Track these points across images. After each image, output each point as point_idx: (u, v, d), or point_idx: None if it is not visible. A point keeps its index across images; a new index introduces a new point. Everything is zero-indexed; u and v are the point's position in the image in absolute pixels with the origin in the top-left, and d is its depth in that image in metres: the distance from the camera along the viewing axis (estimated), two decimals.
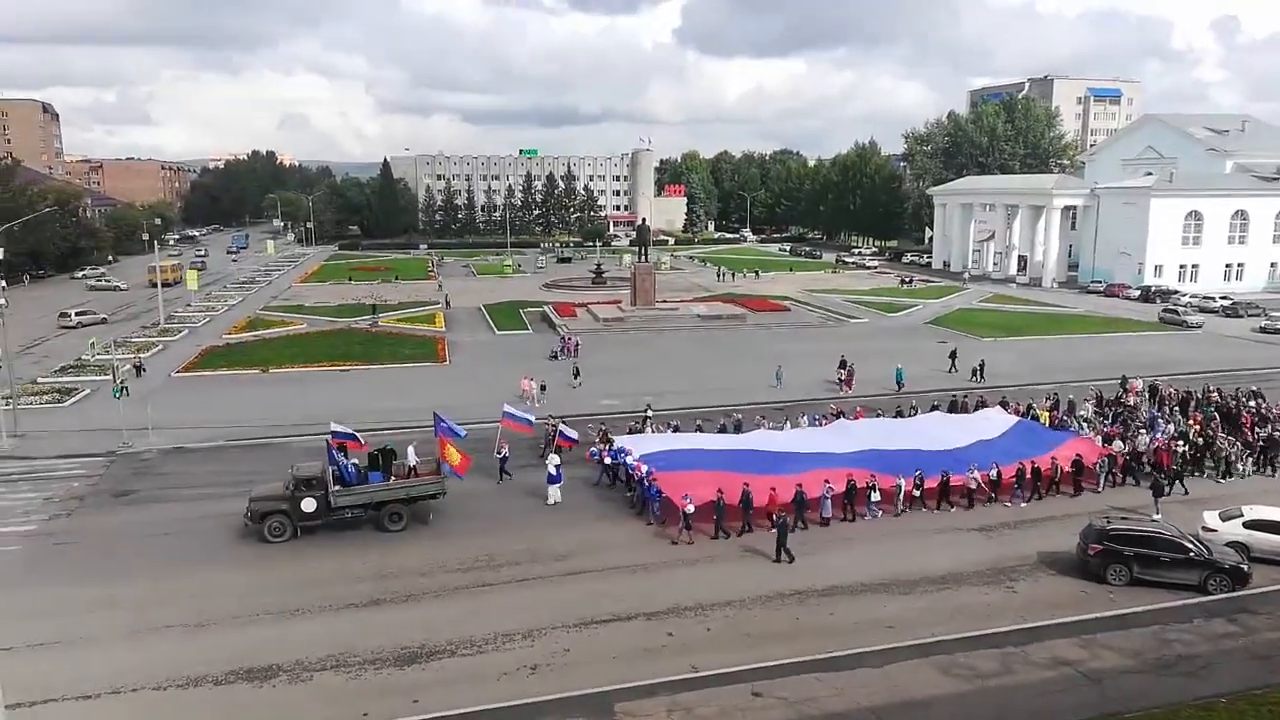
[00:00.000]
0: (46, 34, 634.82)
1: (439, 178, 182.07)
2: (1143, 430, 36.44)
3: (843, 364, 49.25)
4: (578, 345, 58.44)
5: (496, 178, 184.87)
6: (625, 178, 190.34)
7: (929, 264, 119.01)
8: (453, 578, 26.09)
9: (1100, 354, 57.81)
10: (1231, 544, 26.37)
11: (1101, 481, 33.48)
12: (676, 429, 37.20)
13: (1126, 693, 20.17)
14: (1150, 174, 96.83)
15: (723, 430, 37.51)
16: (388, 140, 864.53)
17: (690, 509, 28.30)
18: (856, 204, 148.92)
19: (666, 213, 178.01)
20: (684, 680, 20.64)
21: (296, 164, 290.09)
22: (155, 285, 77.35)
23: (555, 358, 56.83)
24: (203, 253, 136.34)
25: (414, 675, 20.99)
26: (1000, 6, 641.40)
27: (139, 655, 21.66)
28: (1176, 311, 73.01)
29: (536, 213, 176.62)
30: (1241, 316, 73.82)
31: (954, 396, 43.44)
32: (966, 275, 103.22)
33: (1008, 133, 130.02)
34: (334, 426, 31.94)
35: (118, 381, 40.13)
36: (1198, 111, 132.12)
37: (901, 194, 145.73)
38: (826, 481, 30.06)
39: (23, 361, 53.86)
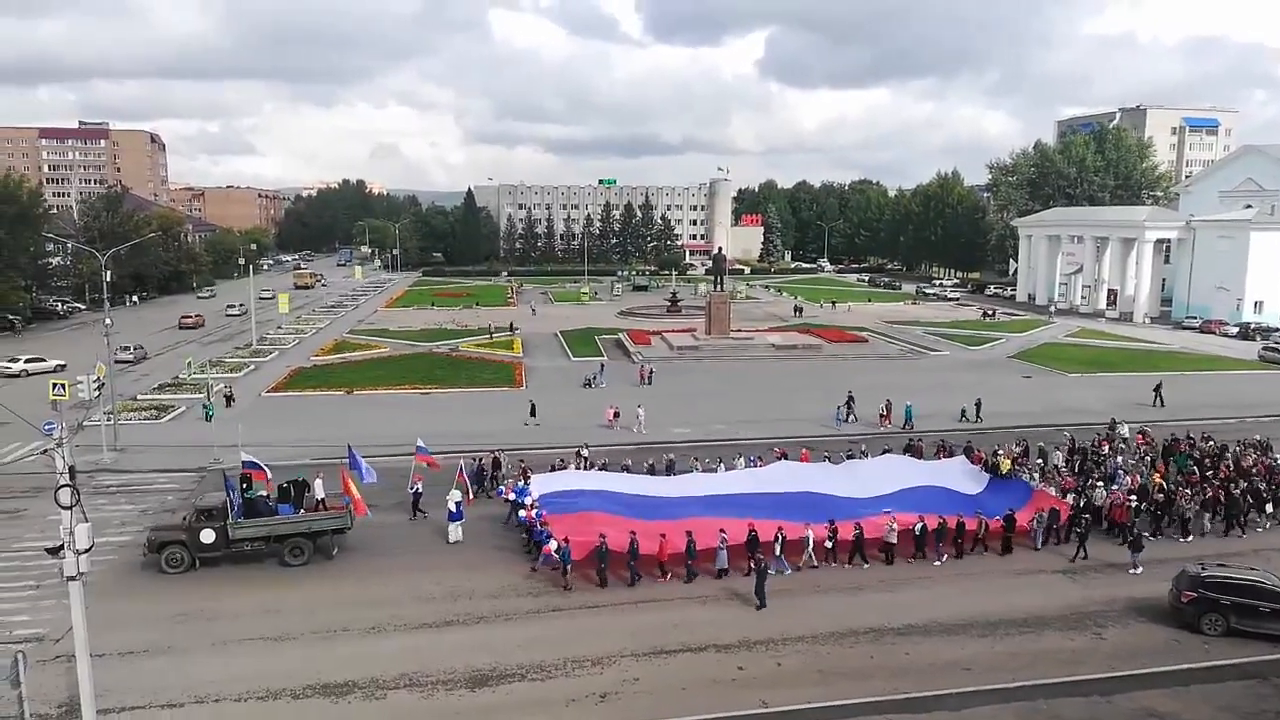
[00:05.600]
0: (158, 69, 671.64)
1: (520, 206, 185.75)
2: (1099, 483, 33.37)
3: (851, 399, 48.00)
4: (651, 372, 58.72)
5: (576, 206, 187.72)
6: (702, 207, 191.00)
7: (1013, 297, 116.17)
8: (523, 602, 26.27)
9: (1194, 393, 55.25)
10: None
11: (1040, 539, 30.48)
12: (604, 468, 36.10)
13: None
14: (1250, 206, 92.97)
15: (651, 471, 35.46)
16: (473, 169, 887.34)
17: (552, 547, 26.88)
18: (938, 234, 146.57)
19: (743, 242, 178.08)
20: (753, 715, 20.34)
21: (385, 192, 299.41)
22: (248, 305, 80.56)
23: (589, 385, 57.23)
24: (321, 277, 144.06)
25: (484, 697, 21.16)
26: (1095, 35, 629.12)
27: (221, 667, 22.34)
28: (1278, 349, 69.61)
29: (614, 241, 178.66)
30: None
31: (911, 440, 41.00)
32: (1052, 309, 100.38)
33: (1098, 163, 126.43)
34: (244, 456, 31.51)
35: (209, 403, 41.81)
36: None
37: (985, 225, 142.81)
38: (722, 530, 27.90)
39: (124, 379, 56.50)
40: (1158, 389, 51.88)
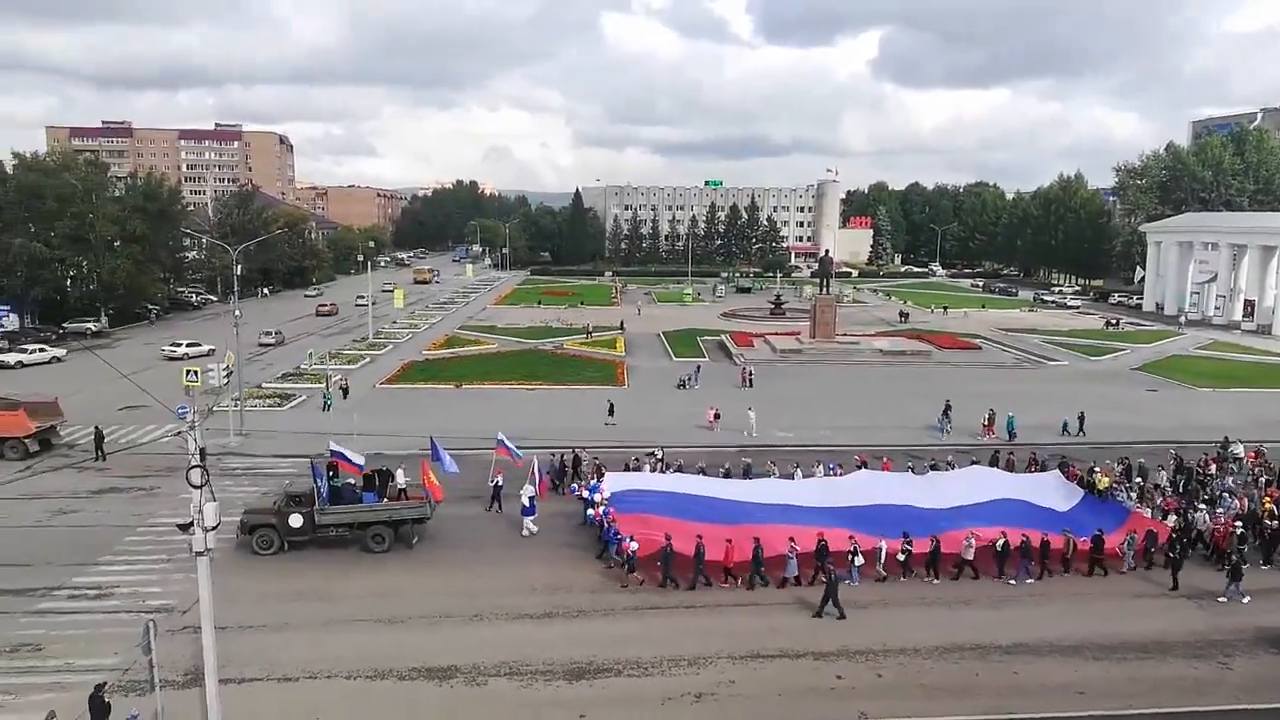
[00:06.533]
0: (288, 75, 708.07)
1: (626, 207, 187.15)
2: (1202, 506, 31.16)
3: (949, 408, 46.22)
4: (752, 375, 58.34)
5: (681, 208, 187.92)
6: (809, 209, 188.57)
7: (1138, 305, 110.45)
8: (620, 598, 26.47)
9: None
10: None
11: (1131, 561, 28.73)
12: (679, 469, 35.53)
13: None
14: None
15: (726, 475, 34.76)
16: (582, 171, 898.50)
17: (633, 548, 27.05)
18: (1058, 239, 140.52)
19: (851, 244, 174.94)
20: None
21: (496, 193, 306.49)
22: (369, 300, 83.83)
23: (683, 386, 57.00)
24: (437, 273, 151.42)
25: (581, 690, 21.42)
26: (1235, 32, 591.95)
27: (333, 645, 23.27)
28: None
29: (718, 242, 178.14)
30: None
31: (997, 452, 39.19)
32: (1182, 319, 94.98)
33: (1236, 166, 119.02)
34: (332, 446, 32.31)
35: (328, 393, 43.63)
36: None
37: (1109, 230, 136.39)
38: (791, 539, 27.37)
39: (250, 368, 59.52)
40: None
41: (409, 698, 21.06)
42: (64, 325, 76.92)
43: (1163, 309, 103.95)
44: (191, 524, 16.73)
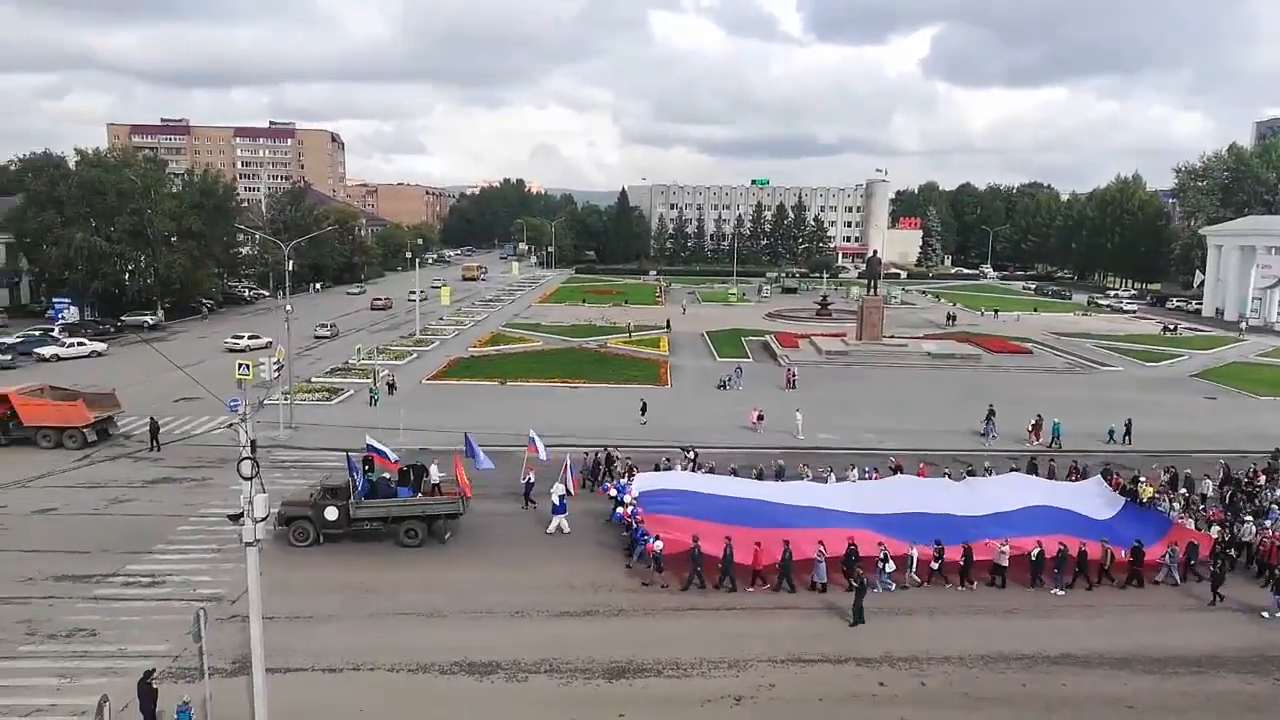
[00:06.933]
0: (341, 73, 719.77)
1: (671, 206, 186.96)
2: (1249, 518, 30.15)
3: (992, 412, 45.40)
4: (795, 376, 57.91)
5: (727, 207, 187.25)
6: (858, 209, 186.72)
7: (1197, 311, 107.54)
8: (660, 598, 26.43)
9: None
10: None
11: (1173, 573, 27.91)
12: (712, 470, 35.15)
13: None
14: None
15: (760, 477, 34.46)
16: (628, 169, 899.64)
17: (657, 548, 26.92)
18: (1114, 242, 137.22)
19: (900, 245, 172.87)
20: None
21: (543, 191, 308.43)
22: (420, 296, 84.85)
23: (723, 387, 56.70)
24: (485, 270, 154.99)
25: (620, 689, 21.43)
26: None
27: (377, 637, 23.59)
28: None
29: (764, 242, 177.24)
30: None
31: (1034, 459, 38.18)
32: (1243, 325, 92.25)
33: None
34: (369, 441, 32.59)
35: (375, 388, 44.19)
36: None
37: (1168, 233, 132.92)
38: (820, 543, 27.01)
39: (300, 362, 60.57)
40: None
41: (450, 691, 21.25)
42: (122, 318, 79.01)
43: (1222, 314, 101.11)
44: (242, 515, 17.06)
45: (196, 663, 19.30)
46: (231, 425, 32.40)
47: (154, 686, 19.08)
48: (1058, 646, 23.71)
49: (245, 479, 16.65)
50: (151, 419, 42.13)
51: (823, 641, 23.85)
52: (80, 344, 66.08)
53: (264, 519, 17.15)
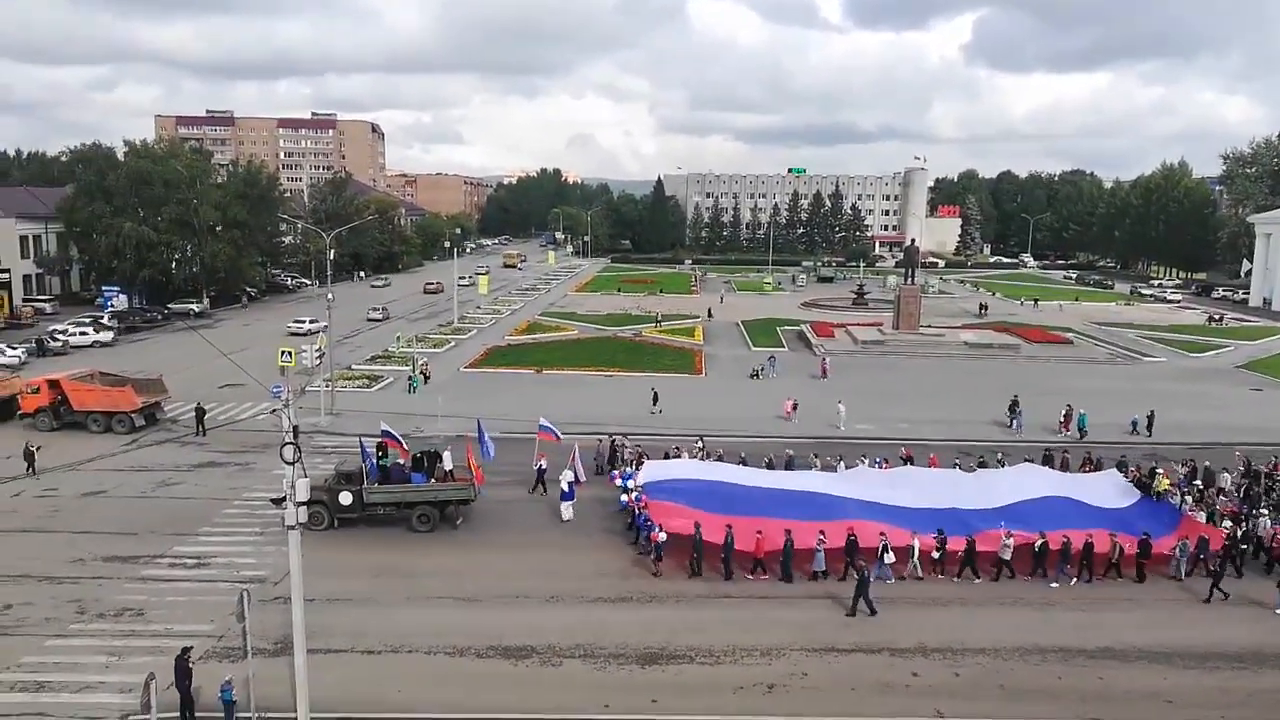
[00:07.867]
0: (382, 64, 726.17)
1: (708, 195, 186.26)
2: (1264, 512, 29.45)
3: (1016, 402, 45.16)
4: (827, 365, 57.61)
5: (763, 195, 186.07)
6: (895, 197, 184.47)
7: (1244, 300, 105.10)
8: (694, 586, 26.58)
9: None
10: None
11: (1181, 568, 27.39)
12: (720, 458, 35.00)
13: None
14: None
15: (769, 466, 34.54)
16: (665, 158, 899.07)
17: (662, 538, 26.88)
18: (1159, 230, 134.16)
19: (938, 234, 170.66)
20: None
21: (579, 181, 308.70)
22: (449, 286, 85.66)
23: (756, 376, 56.57)
24: (524, 258, 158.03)
25: (654, 675, 21.63)
26: None
27: (414, 621, 24.01)
28: None
29: (800, 231, 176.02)
30: None
31: (1048, 451, 37.65)
32: None
33: None
34: (384, 426, 32.98)
35: (415, 375, 44.70)
36: None
37: (1215, 221, 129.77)
38: (821, 532, 26.99)
39: (341, 350, 61.43)
40: None
41: (485, 674, 21.60)
42: (169, 306, 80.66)
43: (1270, 304, 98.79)
44: (284, 498, 17.45)
45: (240, 643, 19.80)
46: (274, 411, 33.09)
47: (189, 664, 19.56)
48: (1096, 640, 23.50)
49: (287, 463, 17.01)
50: (197, 404, 43.06)
51: (855, 631, 23.87)
52: (83, 333, 65.22)
53: (306, 502, 17.52)
